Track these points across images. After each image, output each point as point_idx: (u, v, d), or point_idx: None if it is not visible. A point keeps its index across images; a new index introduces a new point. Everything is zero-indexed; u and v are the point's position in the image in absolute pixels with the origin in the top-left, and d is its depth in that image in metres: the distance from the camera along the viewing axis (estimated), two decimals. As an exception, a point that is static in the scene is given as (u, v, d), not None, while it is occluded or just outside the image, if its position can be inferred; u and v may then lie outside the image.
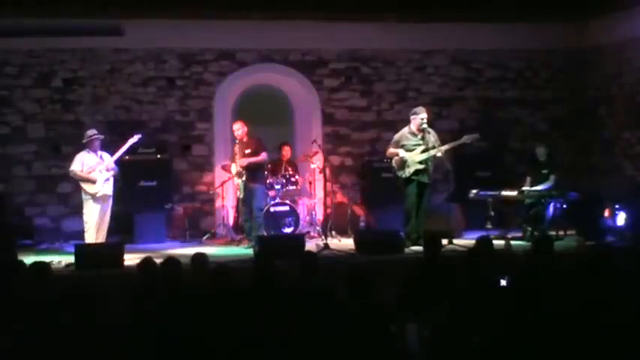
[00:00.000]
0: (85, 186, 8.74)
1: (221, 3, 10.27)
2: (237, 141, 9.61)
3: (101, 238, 8.70)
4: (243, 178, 9.39)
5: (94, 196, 8.67)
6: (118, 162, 8.95)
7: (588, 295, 4.57)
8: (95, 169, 8.70)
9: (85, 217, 8.76)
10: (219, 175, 10.58)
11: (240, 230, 10.13)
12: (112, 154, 8.89)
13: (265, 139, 10.04)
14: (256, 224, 9.31)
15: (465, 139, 9.01)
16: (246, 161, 9.35)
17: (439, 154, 8.87)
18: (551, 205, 9.34)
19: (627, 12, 10.72)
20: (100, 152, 8.87)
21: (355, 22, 10.90)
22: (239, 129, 9.54)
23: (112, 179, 8.85)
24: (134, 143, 9.00)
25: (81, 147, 9.00)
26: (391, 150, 9.09)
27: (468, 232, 9.60)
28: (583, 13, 11.32)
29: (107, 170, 8.74)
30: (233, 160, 9.66)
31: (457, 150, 9.74)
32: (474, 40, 11.40)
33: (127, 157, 9.65)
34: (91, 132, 8.96)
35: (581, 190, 9.91)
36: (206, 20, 10.55)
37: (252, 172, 9.42)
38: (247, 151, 9.43)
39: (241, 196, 9.56)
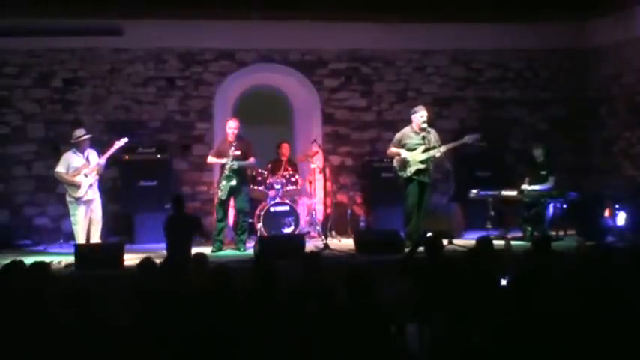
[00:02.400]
0: (69, 189, 8.66)
1: (221, 3, 10.28)
2: (229, 140, 9.21)
3: (94, 238, 8.66)
4: (233, 182, 9.13)
5: (77, 200, 8.61)
6: (106, 166, 8.91)
7: (588, 295, 4.57)
8: (80, 172, 8.59)
9: (72, 219, 8.72)
10: (218, 175, 10.56)
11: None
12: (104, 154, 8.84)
13: (265, 138, 10.03)
14: (241, 229, 9.20)
15: (467, 139, 9.00)
16: (237, 164, 9.10)
17: (439, 155, 8.85)
18: (551, 205, 9.34)
19: (627, 12, 10.72)
20: (87, 152, 8.75)
21: (355, 22, 10.91)
22: (236, 127, 9.24)
23: (96, 183, 8.73)
24: (121, 147, 8.91)
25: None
26: (392, 150, 9.07)
27: (468, 232, 9.61)
28: (583, 13, 11.33)
29: (91, 174, 8.62)
30: (223, 156, 9.22)
31: (457, 150, 9.74)
32: (474, 40, 11.40)
33: (126, 157, 9.64)
34: (80, 132, 8.81)
35: (581, 190, 9.92)
36: (206, 20, 10.56)
37: (239, 175, 9.22)
38: (237, 152, 9.12)
39: (224, 197, 9.16)
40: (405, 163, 8.88)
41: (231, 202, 9.41)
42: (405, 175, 8.89)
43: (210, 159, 9.49)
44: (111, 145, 8.91)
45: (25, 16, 10.05)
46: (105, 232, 8.88)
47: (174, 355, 4.36)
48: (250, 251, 8.78)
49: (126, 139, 8.93)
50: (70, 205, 8.69)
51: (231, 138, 9.23)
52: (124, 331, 4.48)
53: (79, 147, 8.74)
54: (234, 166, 9.14)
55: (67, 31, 10.32)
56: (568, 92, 11.80)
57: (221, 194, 9.19)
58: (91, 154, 8.78)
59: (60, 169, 8.68)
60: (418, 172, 8.85)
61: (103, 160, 8.73)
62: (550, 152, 9.89)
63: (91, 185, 8.65)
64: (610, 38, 11.20)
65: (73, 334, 4.27)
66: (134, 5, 10.11)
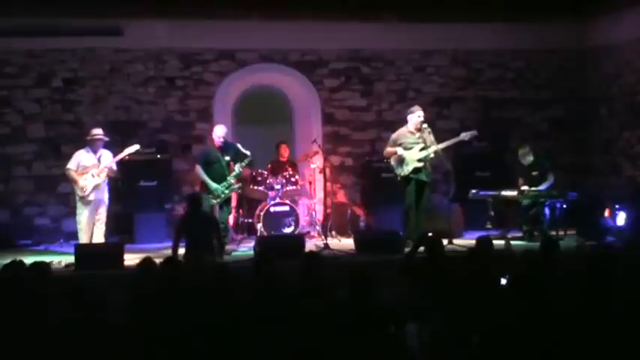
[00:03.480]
0: (75, 187, 8.67)
1: (221, 3, 10.29)
2: (218, 146, 8.87)
3: (97, 239, 8.66)
4: (237, 185, 8.92)
5: (82, 199, 8.60)
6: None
7: (588, 295, 4.57)
8: (89, 171, 8.58)
9: (77, 218, 8.73)
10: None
11: (240, 230, 10.16)
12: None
13: (265, 138, 10.02)
14: (225, 230, 8.84)
15: (463, 136, 8.99)
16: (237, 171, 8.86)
17: (435, 155, 8.83)
18: (551, 205, 9.32)
19: (627, 12, 10.74)
20: (100, 152, 8.74)
21: (355, 22, 10.92)
22: (227, 134, 8.95)
23: (104, 184, 8.70)
24: (131, 153, 8.85)
25: (80, 146, 8.95)
26: (389, 149, 9.02)
27: (468, 232, 9.60)
28: (583, 13, 11.35)
29: (99, 175, 8.61)
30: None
31: (457, 150, 9.73)
32: (474, 40, 11.40)
33: (126, 157, 9.63)
34: (97, 131, 8.83)
35: (581, 190, 9.91)
36: (206, 20, 10.57)
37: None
38: (227, 158, 8.86)
39: (216, 203, 8.76)
40: (401, 161, 8.86)
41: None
42: (402, 173, 8.86)
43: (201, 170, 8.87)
44: (122, 143, 8.92)
45: (25, 16, 10.05)
46: (105, 232, 8.87)
47: (174, 356, 4.36)
48: (250, 251, 8.78)
49: (137, 146, 8.88)
50: (77, 204, 8.70)
51: (218, 144, 8.89)
52: (124, 330, 4.48)
53: (92, 145, 8.73)
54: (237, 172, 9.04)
55: (67, 31, 10.32)
56: (568, 92, 11.81)
57: (218, 200, 8.78)
58: (105, 155, 8.75)
59: (70, 165, 8.67)
60: (416, 170, 8.82)
61: (111, 164, 8.72)
62: (537, 152, 9.78)
63: (97, 186, 8.63)
64: (610, 38, 11.21)
65: (73, 334, 4.27)
66: (134, 5, 10.13)
